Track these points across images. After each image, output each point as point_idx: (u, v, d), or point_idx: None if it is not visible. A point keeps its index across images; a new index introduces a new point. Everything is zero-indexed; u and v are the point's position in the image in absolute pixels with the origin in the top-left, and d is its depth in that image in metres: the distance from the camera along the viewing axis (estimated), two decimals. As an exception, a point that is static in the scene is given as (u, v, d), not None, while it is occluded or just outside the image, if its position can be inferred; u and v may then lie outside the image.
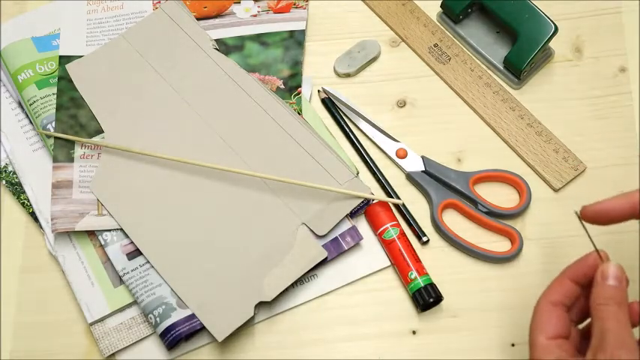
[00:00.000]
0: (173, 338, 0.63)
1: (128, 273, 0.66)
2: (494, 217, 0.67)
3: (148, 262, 0.66)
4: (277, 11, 0.76)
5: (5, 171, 0.72)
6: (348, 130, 0.72)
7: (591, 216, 0.54)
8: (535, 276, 0.66)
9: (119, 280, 0.66)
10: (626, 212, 0.53)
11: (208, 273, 0.65)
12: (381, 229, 0.66)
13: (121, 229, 0.67)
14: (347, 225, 0.66)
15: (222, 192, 0.68)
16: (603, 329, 0.48)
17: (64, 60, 0.74)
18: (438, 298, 0.64)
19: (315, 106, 0.73)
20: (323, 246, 0.65)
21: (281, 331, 0.65)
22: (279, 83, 0.73)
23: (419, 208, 0.69)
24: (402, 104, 0.73)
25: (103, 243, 0.67)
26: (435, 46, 0.75)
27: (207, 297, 0.64)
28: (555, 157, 0.69)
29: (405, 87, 0.73)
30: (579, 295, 0.53)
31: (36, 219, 0.70)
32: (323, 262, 0.65)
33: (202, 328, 0.64)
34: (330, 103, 0.73)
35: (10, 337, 0.66)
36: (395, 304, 0.66)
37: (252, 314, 0.63)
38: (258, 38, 0.75)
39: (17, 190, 0.71)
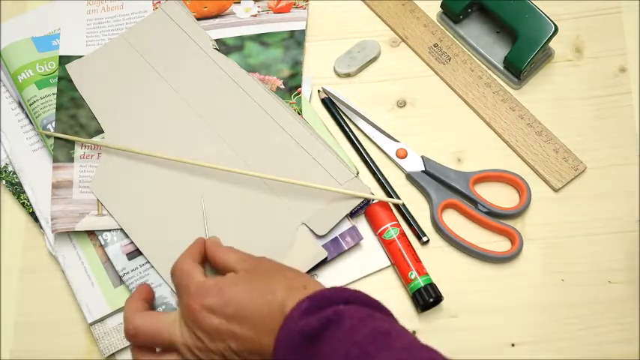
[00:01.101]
0: (173, 338, 0.63)
1: (128, 273, 0.66)
2: (494, 217, 0.67)
3: (148, 262, 0.66)
4: (277, 11, 0.76)
5: (5, 171, 0.72)
6: (348, 130, 0.72)
7: None
8: (535, 276, 0.66)
9: (119, 280, 0.66)
10: None
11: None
12: (381, 229, 0.66)
13: (121, 229, 0.67)
14: (347, 225, 0.66)
15: (222, 192, 0.68)
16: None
17: (64, 60, 0.74)
18: (438, 298, 0.64)
19: (315, 106, 0.73)
20: (323, 246, 0.65)
21: (281, 331, 0.65)
22: (279, 83, 0.73)
23: (419, 208, 0.69)
24: (402, 104, 0.73)
25: (103, 243, 0.67)
26: (435, 46, 0.75)
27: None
28: (555, 157, 0.69)
29: (405, 87, 0.73)
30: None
31: (36, 219, 0.70)
32: (323, 262, 0.65)
33: (202, 328, 0.64)
34: (330, 103, 0.73)
35: (10, 337, 0.66)
36: (395, 304, 0.65)
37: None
38: (258, 38, 0.75)
39: (17, 190, 0.71)
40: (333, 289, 0.54)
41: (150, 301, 0.62)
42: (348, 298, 0.53)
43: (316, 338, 0.51)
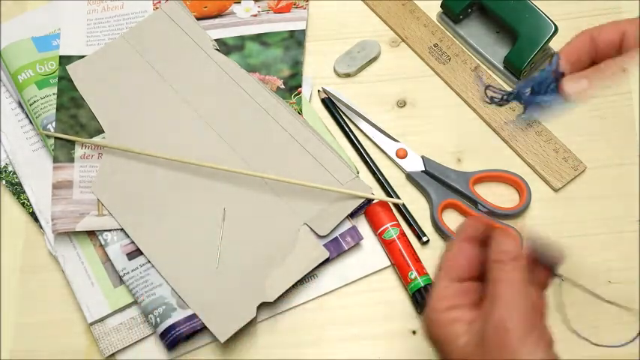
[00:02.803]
0: (173, 338, 0.63)
1: (128, 273, 0.66)
2: (495, 217, 0.67)
3: (149, 262, 0.66)
4: (277, 11, 0.76)
5: (5, 171, 0.72)
6: (348, 130, 0.72)
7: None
8: (535, 276, 0.66)
9: (119, 280, 0.66)
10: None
11: (210, 273, 0.65)
12: (381, 229, 0.66)
13: (122, 229, 0.67)
14: (347, 225, 0.66)
15: (223, 192, 0.68)
16: (494, 293, 0.45)
17: (64, 60, 0.74)
18: (438, 298, 0.64)
19: (315, 106, 0.73)
20: (323, 246, 0.65)
21: (281, 331, 0.65)
22: (280, 83, 0.73)
23: (419, 208, 0.69)
24: (402, 104, 0.73)
25: (103, 243, 0.67)
26: (435, 46, 0.75)
27: (208, 297, 0.64)
28: (555, 157, 0.69)
29: (405, 87, 0.73)
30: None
31: (36, 219, 0.70)
32: (324, 262, 0.65)
33: (202, 328, 0.64)
34: (330, 103, 0.73)
35: (10, 337, 0.66)
36: (395, 304, 0.66)
37: (255, 315, 0.63)
38: (259, 38, 0.75)
39: (17, 190, 0.71)
40: None
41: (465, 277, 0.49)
42: None
43: None
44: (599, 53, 0.53)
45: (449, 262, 0.48)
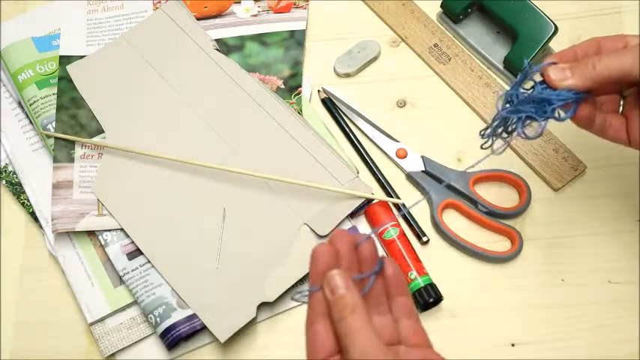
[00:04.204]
0: (173, 338, 0.63)
1: (128, 273, 0.66)
2: (494, 217, 0.67)
3: (149, 262, 0.66)
4: (277, 11, 0.76)
5: (5, 171, 0.72)
6: (348, 130, 0.72)
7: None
8: (535, 276, 0.66)
9: (119, 280, 0.66)
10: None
11: (210, 273, 0.65)
12: (381, 229, 0.66)
13: (122, 229, 0.67)
14: (347, 225, 0.66)
15: (224, 192, 0.68)
16: (346, 344, 0.45)
17: (64, 60, 0.74)
18: (438, 298, 0.64)
19: (315, 106, 0.73)
20: (323, 246, 0.65)
21: (281, 331, 0.65)
22: (280, 83, 0.73)
23: (419, 208, 0.69)
24: (402, 104, 0.73)
25: (103, 243, 0.67)
26: (435, 46, 0.75)
27: (208, 297, 0.64)
28: (555, 157, 0.69)
29: (405, 87, 0.73)
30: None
31: (36, 219, 0.70)
32: (323, 262, 0.65)
33: (202, 328, 0.64)
34: (330, 103, 0.73)
35: (10, 337, 0.66)
36: (395, 304, 0.66)
37: (255, 315, 0.63)
38: (259, 38, 0.75)
39: (17, 190, 0.71)
40: None
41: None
42: None
43: None
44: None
45: (310, 349, 0.47)
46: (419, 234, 0.67)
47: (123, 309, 0.66)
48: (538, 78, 0.55)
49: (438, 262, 0.66)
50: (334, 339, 0.46)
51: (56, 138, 0.70)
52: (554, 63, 0.54)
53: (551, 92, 0.53)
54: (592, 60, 0.53)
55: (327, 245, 0.47)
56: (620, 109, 0.58)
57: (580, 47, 0.56)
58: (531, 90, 0.54)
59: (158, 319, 0.63)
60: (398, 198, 0.68)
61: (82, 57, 0.74)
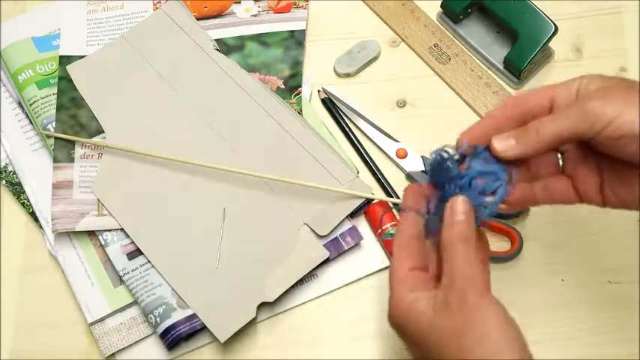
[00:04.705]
0: (173, 338, 0.63)
1: (128, 273, 0.66)
2: (495, 217, 0.67)
3: (149, 262, 0.66)
4: (277, 11, 0.76)
5: (5, 171, 0.72)
6: (348, 130, 0.72)
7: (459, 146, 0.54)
8: (535, 276, 0.66)
9: (119, 280, 0.66)
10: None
11: (210, 273, 0.65)
12: (381, 229, 0.66)
13: (122, 229, 0.67)
14: (347, 225, 0.66)
15: (224, 192, 0.68)
16: (453, 268, 0.49)
17: (64, 60, 0.74)
18: (438, 298, 0.64)
19: (315, 106, 0.73)
20: (323, 246, 0.65)
21: (281, 331, 0.65)
22: (280, 83, 0.73)
23: (419, 208, 0.69)
24: (402, 104, 0.73)
25: (103, 243, 0.67)
26: (435, 46, 0.75)
27: (208, 297, 0.64)
28: (555, 157, 0.69)
29: (405, 87, 0.73)
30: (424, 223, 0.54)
31: (36, 219, 0.70)
32: (323, 262, 0.65)
33: (202, 328, 0.64)
34: (330, 103, 0.73)
35: (10, 337, 0.66)
36: (395, 304, 0.66)
37: (255, 315, 0.63)
38: (259, 38, 0.75)
39: (17, 190, 0.71)
40: None
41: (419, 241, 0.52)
42: None
43: None
44: (529, 119, 0.52)
45: (400, 257, 0.52)
46: (419, 234, 0.67)
47: (123, 309, 0.66)
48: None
49: (438, 262, 0.66)
50: (423, 250, 0.52)
51: (56, 138, 0.70)
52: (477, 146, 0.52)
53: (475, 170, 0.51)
54: (535, 124, 0.51)
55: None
56: (560, 167, 0.55)
57: (483, 125, 0.53)
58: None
59: (158, 319, 0.63)
60: (398, 198, 0.68)
61: (82, 57, 0.74)
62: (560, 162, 0.55)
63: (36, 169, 0.71)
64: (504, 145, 0.51)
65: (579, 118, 0.49)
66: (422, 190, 0.54)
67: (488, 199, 0.51)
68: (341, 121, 0.72)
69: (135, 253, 0.66)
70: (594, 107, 0.49)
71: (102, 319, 0.65)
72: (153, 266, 0.66)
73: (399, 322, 0.51)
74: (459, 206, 0.51)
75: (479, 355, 0.47)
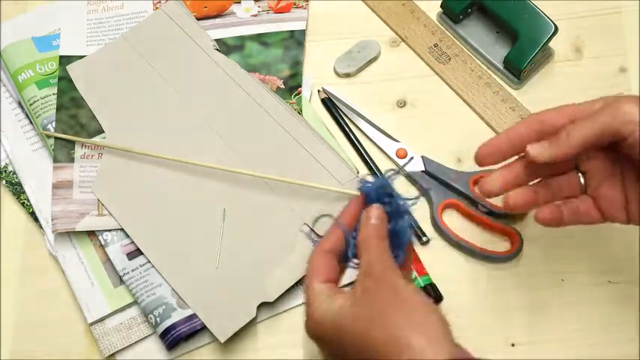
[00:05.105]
0: (173, 338, 0.63)
1: (128, 273, 0.66)
2: (494, 217, 0.67)
3: (149, 262, 0.66)
4: (277, 11, 0.76)
5: (5, 171, 0.72)
6: (348, 130, 0.72)
7: (480, 159, 0.58)
8: (535, 276, 0.66)
9: (119, 280, 0.66)
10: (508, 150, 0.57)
11: (210, 273, 0.65)
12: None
13: (122, 229, 0.67)
14: (347, 225, 0.66)
15: (224, 192, 0.68)
16: (369, 260, 0.52)
17: (64, 60, 0.74)
18: (438, 298, 0.64)
19: (315, 106, 0.73)
20: (323, 246, 0.65)
21: (281, 331, 0.65)
22: (280, 83, 0.73)
23: (419, 208, 0.68)
24: (402, 104, 0.73)
25: (103, 243, 0.67)
26: (435, 46, 0.75)
27: (208, 297, 0.64)
28: (555, 157, 0.69)
29: (405, 87, 0.73)
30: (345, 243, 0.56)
31: (36, 219, 0.70)
32: (323, 262, 0.65)
33: (202, 328, 0.64)
34: (330, 103, 0.73)
35: (10, 337, 0.66)
36: (395, 304, 0.66)
37: (254, 315, 0.63)
38: (259, 38, 0.75)
39: (17, 190, 0.71)
40: None
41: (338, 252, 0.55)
42: None
43: None
44: (547, 137, 0.55)
45: (314, 271, 0.54)
46: (419, 234, 0.67)
47: (123, 309, 0.66)
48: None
49: (438, 262, 0.66)
50: (336, 267, 0.55)
51: (56, 138, 0.70)
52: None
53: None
54: (565, 129, 0.54)
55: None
56: (582, 187, 0.57)
57: (513, 131, 0.57)
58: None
59: (158, 319, 0.63)
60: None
61: (82, 57, 0.74)
62: (582, 181, 0.57)
63: (36, 169, 0.71)
64: (538, 148, 0.54)
65: (611, 118, 0.52)
66: (359, 211, 0.56)
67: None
68: (341, 121, 0.72)
69: (135, 253, 0.66)
70: (626, 108, 0.52)
71: (102, 319, 0.65)
72: (153, 266, 0.66)
73: (317, 328, 0.52)
74: (373, 212, 0.55)
75: (404, 318, 0.48)
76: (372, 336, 0.48)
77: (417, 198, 0.58)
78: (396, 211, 0.55)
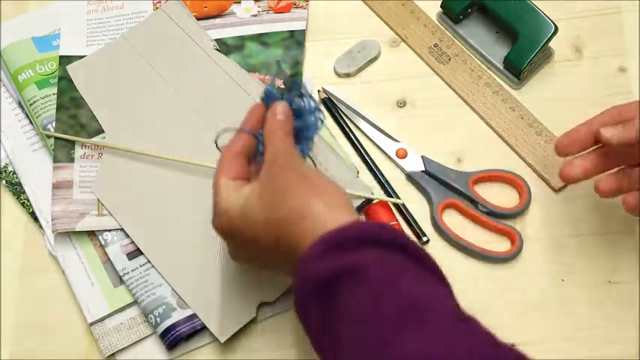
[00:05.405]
0: (173, 338, 0.63)
1: (128, 273, 0.66)
2: (494, 217, 0.67)
3: (149, 262, 0.66)
4: (277, 11, 0.76)
5: (5, 171, 0.72)
6: (348, 130, 0.72)
7: (560, 148, 0.61)
8: (535, 276, 0.66)
9: (119, 280, 0.66)
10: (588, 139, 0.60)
11: (210, 273, 0.65)
12: (381, 229, 0.66)
13: (122, 229, 0.67)
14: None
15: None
16: (274, 150, 0.54)
17: (64, 60, 0.74)
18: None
19: (315, 106, 0.73)
20: (323, 246, 0.65)
21: (281, 331, 0.65)
22: (280, 83, 0.73)
23: (419, 208, 0.69)
24: (402, 104, 0.73)
25: (103, 243, 0.67)
26: (435, 46, 0.75)
27: (208, 297, 0.64)
28: (555, 157, 0.69)
29: (405, 87, 0.73)
30: (255, 144, 0.58)
31: (36, 219, 0.70)
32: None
33: (202, 328, 0.64)
34: (330, 103, 0.73)
35: (10, 337, 0.66)
36: (395, 304, 0.66)
37: (255, 315, 0.63)
38: (259, 38, 0.75)
39: (17, 190, 0.71)
40: (349, 227, 0.48)
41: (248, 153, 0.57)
42: (377, 238, 0.47)
43: (331, 291, 0.46)
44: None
45: (224, 170, 0.56)
46: (419, 234, 0.67)
47: (123, 309, 0.66)
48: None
49: (438, 262, 0.66)
50: (247, 167, 0.56)
51: (56, 138, 0.70)
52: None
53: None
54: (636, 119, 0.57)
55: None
56: None
57: (596, 120, 0.60)
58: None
59: (158, 319, 0.63)
60: (398, 198, 0.68)
61: (82, 57, 0.74)
62: None
63: (36, 169, 0.71)
64: (611, 130, 0.58)
65: None
66: (262, 115, 0.58)
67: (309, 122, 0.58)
68: (341, 121, 0.72)
69: (135, 253, 0.67)
70: None
71: (102, 319, 0.65)
72: (153, 266, 0.66)
73: (225, 222, 0.54)
74: (278, 108, 0.57)
75: (306, 192, 0.51)
76: (278, 215, 0.51)
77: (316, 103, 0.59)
78: (302, 108, 0.58)
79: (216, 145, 0.60)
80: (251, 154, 0.57)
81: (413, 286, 0.45)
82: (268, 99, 0.58)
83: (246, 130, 0.57)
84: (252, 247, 0.54)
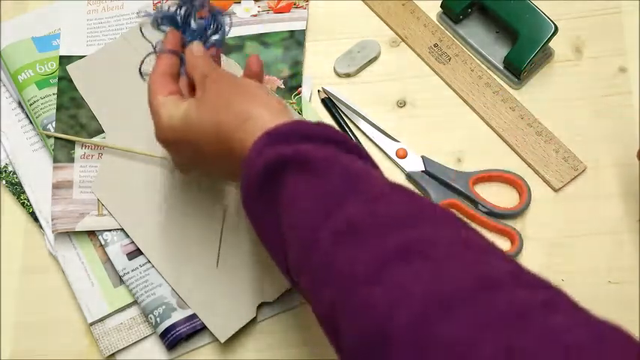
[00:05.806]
0: (173, 338, 0.63)
1: (128, 273, 0.66)
2: (494, 217, 0.67)
3: (149, 262, 0.66)
4: (277, 11, 0.76)
5: (5, 171, 0.72)
6: (348, 130, 0.72)
7: None
8: (535, 276, 0.66)
9: (119, 280, 0.66)
10: None
11: (210, 273, 0.65)
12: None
13: (122, 229, 0.67)
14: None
15: (223, 192, 0.68)
16: (202, 71, 0.57)
17: (64, 60, 0.74)
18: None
19: (315, 106, 0.73)
20: (323, 246, 0.65)
21: (281, 331, 0.65)
22: (279, 83, 0.73)
23: (419, 208, 0.68)
24: (402, 104, 0.73)
25: (103, 243, 0.67)
26: (435, 46, 0.75)
27: (208, 297, 0.64)
28: (555, 157, 0.69)
29: (405, 87, 0.73)
30: (179, 64, 0.60)
31: (36, 219, 0.70)
32: (323, 262, 0.65)
33: (202, 328, 0.64)
34: (330, 103, 0.73)
35: (10, 337, 0.66)
36: (395, 304, 0.66)
37: (255, 315, 0.63)
38: (259, 38, 0.75)
39: (17, 190, 0.71)
40: (290, 124, 0.51)
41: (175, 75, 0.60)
42: (319, 134, 0.51)
43: (277, 179, 0.49)
44: None
45: (158, 87, 0.58)
46: (419, 234, 0.67)
47: (123, 309, 0.66)
48: None
49: (438, 262, 0.66)
50: (177, 84, 0.59)
51: (56, 138, 0.70)
52: None
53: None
54: None
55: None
56: None
57: None
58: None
59: (158, 319, 0.63)
60: (398, 198, 0.68)
61: (82, 57, 0.74)
62: None
63: (36, 169, 0.71)
64: None
65: None
66: (178, 37, 0.60)
67: (214, 37, 0.62)
68: (341, 121, 0.72)
69: (135, 253, 0.67)
70: None
71: (102, 319, 0.65)
72: (153, 266, 0.66)
73: (168, 132, 0.56)
74: (194, 48, 0.59)
75: (246, 98, 0.53)
76: (219, 120, 0.53)
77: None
78: (204, 25, 0.61)
79: (140, 72, 0.63)
80: (175, 74, 0.59)
81: (350, 164, 0.50)
82: (164, 21, 0.61)
83: (168, 49, 0.59)
84: (198, 154, 0.56)
